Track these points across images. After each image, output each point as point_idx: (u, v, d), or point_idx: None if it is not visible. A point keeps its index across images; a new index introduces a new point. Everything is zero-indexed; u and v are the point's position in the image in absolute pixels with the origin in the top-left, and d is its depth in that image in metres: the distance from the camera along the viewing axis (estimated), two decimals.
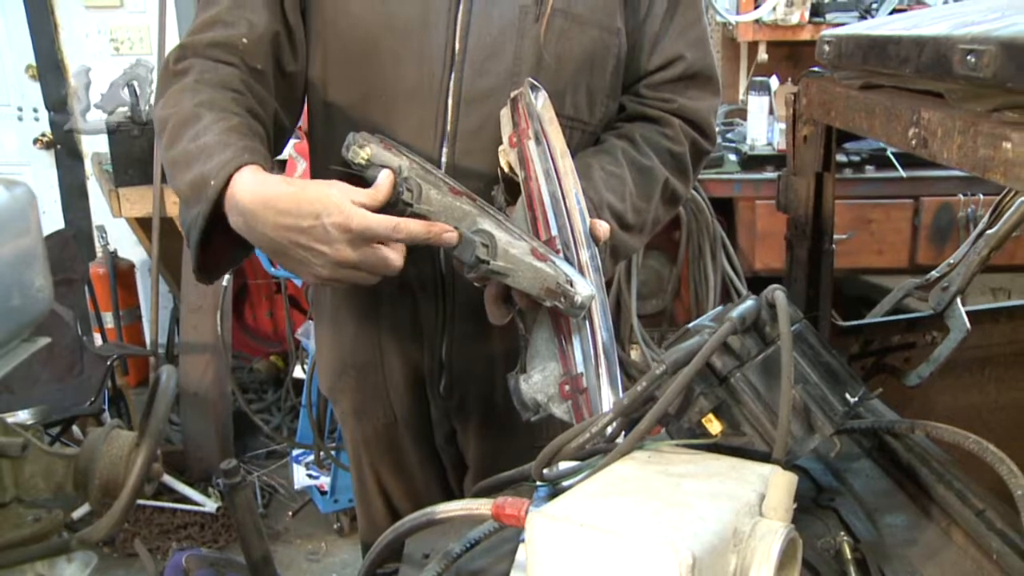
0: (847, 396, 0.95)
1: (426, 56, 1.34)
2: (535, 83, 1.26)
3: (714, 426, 0.90)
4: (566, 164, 1.23)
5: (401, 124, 1.36)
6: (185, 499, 3.36)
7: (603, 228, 1.24)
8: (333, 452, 3.15)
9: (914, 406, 1.43)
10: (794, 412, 0.90)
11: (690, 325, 0.97)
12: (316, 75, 1.43)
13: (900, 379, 1.43)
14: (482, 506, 0.92)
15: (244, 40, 1.31)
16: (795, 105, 1.33)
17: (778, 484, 0.78)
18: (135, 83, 3.60)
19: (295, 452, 3.43)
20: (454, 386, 1.51)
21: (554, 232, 1.21)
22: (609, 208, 1.33)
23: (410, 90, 1.35)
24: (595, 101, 1.42)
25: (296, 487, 3.41)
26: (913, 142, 0.98)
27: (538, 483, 0.99)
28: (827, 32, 1.22)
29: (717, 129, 2.23)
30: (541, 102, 1.26)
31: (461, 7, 1.33)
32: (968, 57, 0.82)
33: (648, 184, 1.41)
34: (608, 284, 3.35)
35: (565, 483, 0.96)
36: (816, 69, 1.29)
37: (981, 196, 3.18)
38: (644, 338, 3.47)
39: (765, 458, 0.89)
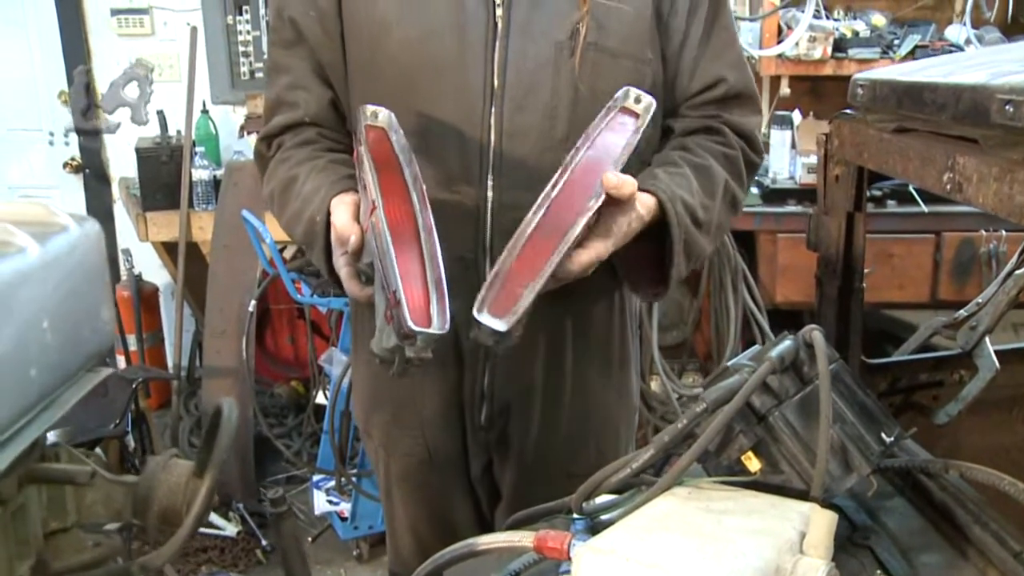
0: (883, 436, 0.97)
1: (465, 93, 1.37)
2: (638, 91, 1.28)
3: (753, 464, 0.92)
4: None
5: (443, 158, 1.39)
6: (206, 523, 3.38)
7: (609, 180, 1.22)
8: (354, 479, 3.16)
9: (943, 444, 1.43)
10: (831, 451, 0.91)
11: (729, 363, 0.99)
12: (353, 112, 1.48)
13: (928, 417, 1.43)
14: (524, 538, 0.94)
15: (307, 118, 1.48)
16: (827, 145, 1.35)
17: (819, 522, 0.80)
18: (136, 82, 3.65)
19: (315, 478, 3.45)
20: (496, 417, 1.52)
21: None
22: (682, 202, 1.33)
23: (450, 125, 1.38)
24: None
25: (316, 513, 3.42)
26: (948, 186, 1.00)
27: (575, 516, 1.01)
28: (860, 75, 1.24)
29: None
30: (644, 104, 1.27)
31: (497, 45, 1.36)
32: (1007, 107, 0.84)
33: (710, 184, 1.41)
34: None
35: (603, 516, 0.98)
36: (848, 111, 1.31)
37: (1004, 232, 3.19)
38: (664, 369, 3.48)
39: (802, 496, 0.90)
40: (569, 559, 0.87)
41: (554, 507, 1.11)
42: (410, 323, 1.09)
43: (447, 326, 1.14)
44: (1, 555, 0.64)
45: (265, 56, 4.22)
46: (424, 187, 1.26)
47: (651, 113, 1.27)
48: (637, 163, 1.45)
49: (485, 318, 1.13)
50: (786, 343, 0.98)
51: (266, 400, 4.19)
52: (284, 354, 4.57)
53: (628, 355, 1.62)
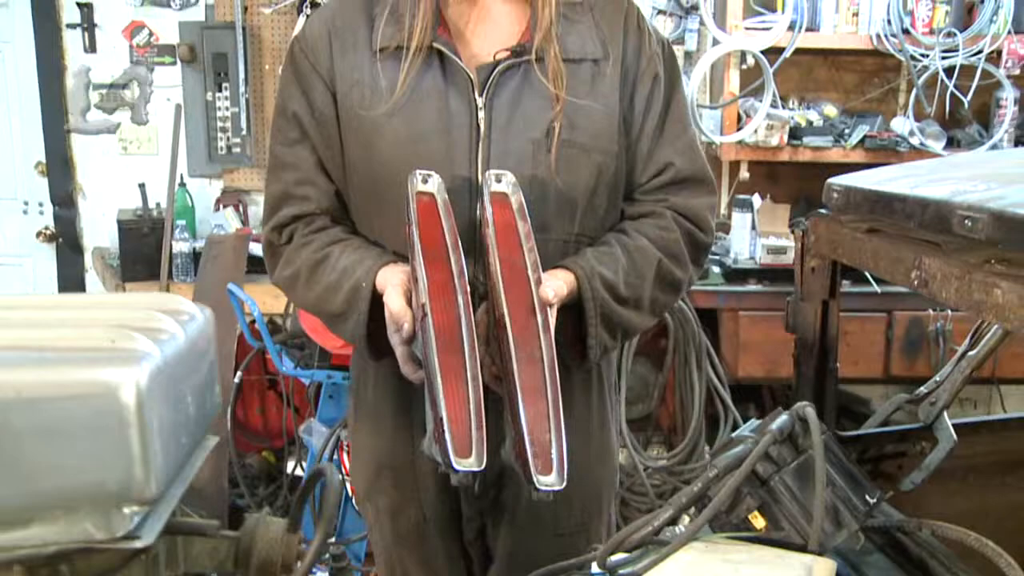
0: (867, 497, 1.11)
1: (452, 188, 1.47)
2: (498, 172, 1.36)
3: (759, 522, 1.05)
4: (516, 240, 1.34)
5: None
6: None
7: (545, 294, 1.34)
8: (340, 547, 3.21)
9: (907, 510, 1.58)
10: (825, 510, 1.06)
11: (733, 435, 1.14)
12: (353, 204, 1.60)
13: (894, 484, 1.58)
14: None
15: (318, 210, 1.57)
16: (804, 240, 1.52)
17: (821, 571, 0.93)
18: (136, 83, 3.74)
19: None
20: (489, 485, 1.61)
21: (503, 308, 1.33)
22: (600, 277, 1.45)
23: None
24: (600, 216, 1.58)
25: None
26: (915, 282, 1.17)
27: (595, 571, 1.13)
28: (835, 180, 1.42)
29: None
30: (507, 187, 1.34)
31: (481, 145, 1.50)
32: (966, 221, 1.01)
33: (641, 262, 1.52)
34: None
35: (621, 572, 1.11)
36: (822, 211, 1.49)
37: (950, 312, 3.39)
38: (631, 442, 3.59)
39: (800, 549, 1.04)
40: None
41: (572, 564, 1.23)
42: (453, 462, 1.24)
43: (484, 463, 1.27)
44: None
45: (243, 133, 4.35)
46: (467, 280, 1.34)
47: (516, 186, 1.34)
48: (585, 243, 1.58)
49: (545, 484, 1.27)
50: (783, 418, 1.12)
51: (238, 470, 4.23)
52: (254, 424, 4.61)
53: (607, 420, 1.73)
